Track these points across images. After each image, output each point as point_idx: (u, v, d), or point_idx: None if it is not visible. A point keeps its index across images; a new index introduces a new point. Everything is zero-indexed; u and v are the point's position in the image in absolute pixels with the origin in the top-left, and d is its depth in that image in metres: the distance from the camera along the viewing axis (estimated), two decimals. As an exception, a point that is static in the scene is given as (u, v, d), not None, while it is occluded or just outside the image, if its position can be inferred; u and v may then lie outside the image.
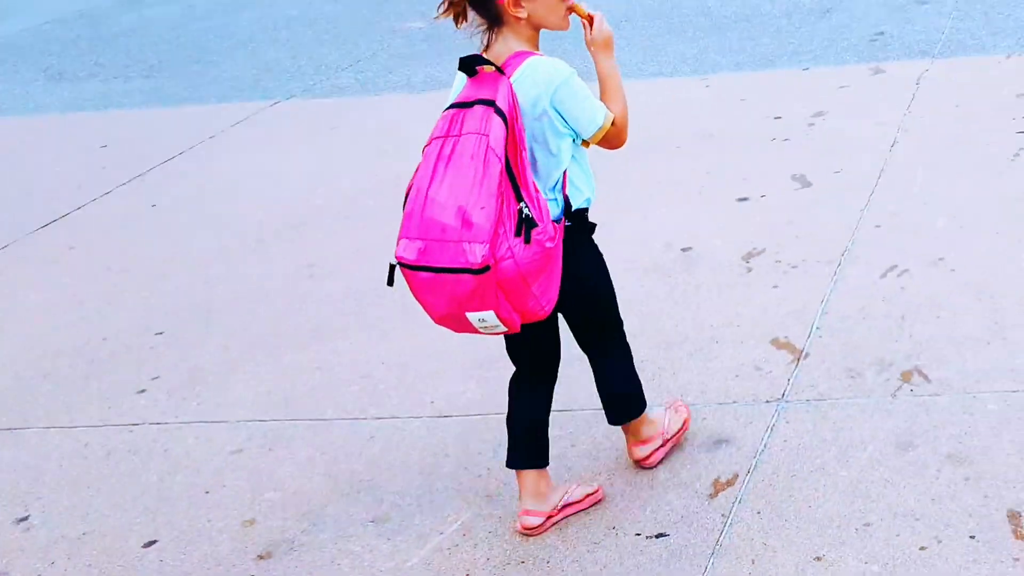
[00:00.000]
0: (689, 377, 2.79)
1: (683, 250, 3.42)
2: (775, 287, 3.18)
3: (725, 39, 5.49)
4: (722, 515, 2.27)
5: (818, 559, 2.10)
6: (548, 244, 1.75)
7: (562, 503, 2.15)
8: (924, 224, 3.38)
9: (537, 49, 1.86)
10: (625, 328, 2.20)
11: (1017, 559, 1.99)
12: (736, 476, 2.39)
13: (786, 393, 2.66)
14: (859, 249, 3.29)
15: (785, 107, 4.57)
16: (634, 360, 2.27)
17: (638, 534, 2.25)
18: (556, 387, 2.16)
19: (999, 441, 2.33)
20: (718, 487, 2.37)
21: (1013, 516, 2.09)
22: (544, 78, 1.81)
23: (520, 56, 1.80)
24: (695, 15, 5.95)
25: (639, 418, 2.20)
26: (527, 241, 1.69)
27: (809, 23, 5.70)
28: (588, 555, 2.16)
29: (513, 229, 1.67)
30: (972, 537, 2.07)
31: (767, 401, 2.65)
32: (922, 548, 2.07)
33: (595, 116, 1.85)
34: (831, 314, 2.97)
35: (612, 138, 1.89)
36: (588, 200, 1.95)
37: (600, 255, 2.05)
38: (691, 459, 2.48)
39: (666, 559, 2.16)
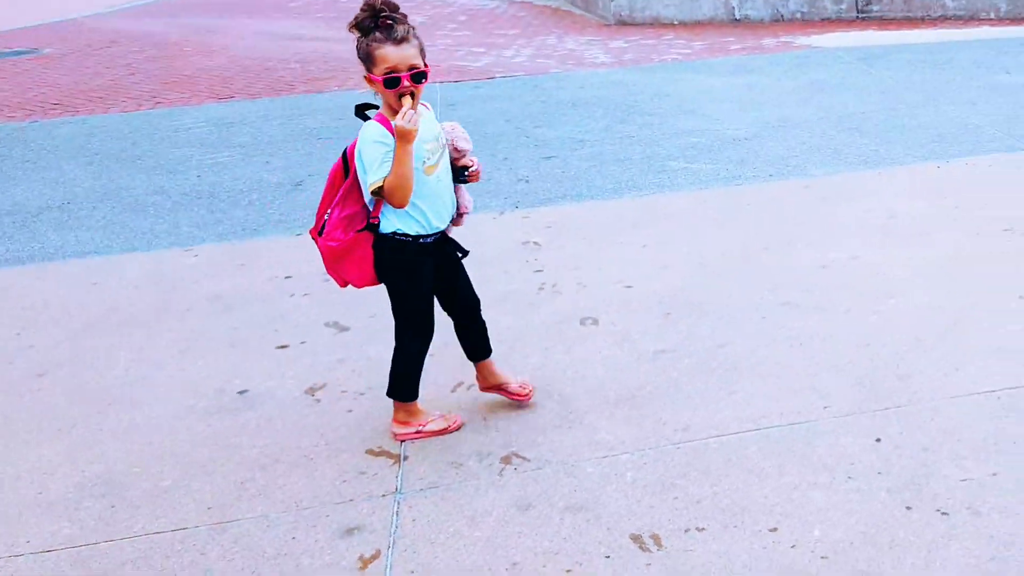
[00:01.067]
0: (296, 489, 4.11)
1: (240, 392, 4.83)
2: (349, 411, 4.71)
3: (196, 214, 7.61)
4: (378, 580, 3.56)
5: (481, 594, 3.52)
6: (331, 243, 3.99)
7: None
8: (477, 349, 5.35)
9: (391, 110, 3.78)
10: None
11: (649, 564, 3.68)
12: (379, 551, 3.70)
13: (399, 487, 4.11)
14: (423, 373, 5.06)
15: (293, 267, 6.44)
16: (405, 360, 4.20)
17: None
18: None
19: (605, 491, 4.10)
20: (365, 561, 3.64)
21: (635, 538, 3.81)
22: (359, 137, 3.83)
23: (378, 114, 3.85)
24: (151, 194, 8.16)
25: (398, 401, 4.30)
26: (320, 235, 4.01)
27: (283, 195, 7.98)
28: None
29: (318, 228, 4.02)
30: (607, 557, 3.73)
31: (383, 495, 4.06)
32: (567, 571, 3.65)
33: (367, 179, 3.79)
34: None
35: (386, 198, 3.85)
36: (414, 229, 4.00)
37: (413, 277, 4.13)
38: (329, 546, 3.70)
39: None
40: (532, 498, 3.93)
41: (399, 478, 4.07)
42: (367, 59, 3.75)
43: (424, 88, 3.81)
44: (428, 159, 3.90)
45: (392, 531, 3.73)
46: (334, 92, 11.85)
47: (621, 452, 4.20)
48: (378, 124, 3.77)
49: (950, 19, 15.15)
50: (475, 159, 4.13)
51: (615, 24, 16.20)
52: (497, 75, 12.58)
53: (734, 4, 15.97)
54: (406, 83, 3.71)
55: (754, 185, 7.73)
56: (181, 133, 10.14)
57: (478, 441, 4.33)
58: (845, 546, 3.56)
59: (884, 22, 15.28)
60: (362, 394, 4.73)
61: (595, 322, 5.42)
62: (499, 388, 4.47)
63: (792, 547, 3.60)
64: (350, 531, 3.74)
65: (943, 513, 3.71)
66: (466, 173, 4.11)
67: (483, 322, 4.42)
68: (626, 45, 14.57)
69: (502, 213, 7.31)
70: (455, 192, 4.13)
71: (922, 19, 15.29)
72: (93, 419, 4.68)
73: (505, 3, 20.01)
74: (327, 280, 5.65)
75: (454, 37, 15.80)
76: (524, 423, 4.46)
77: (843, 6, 15.66)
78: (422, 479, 4.07)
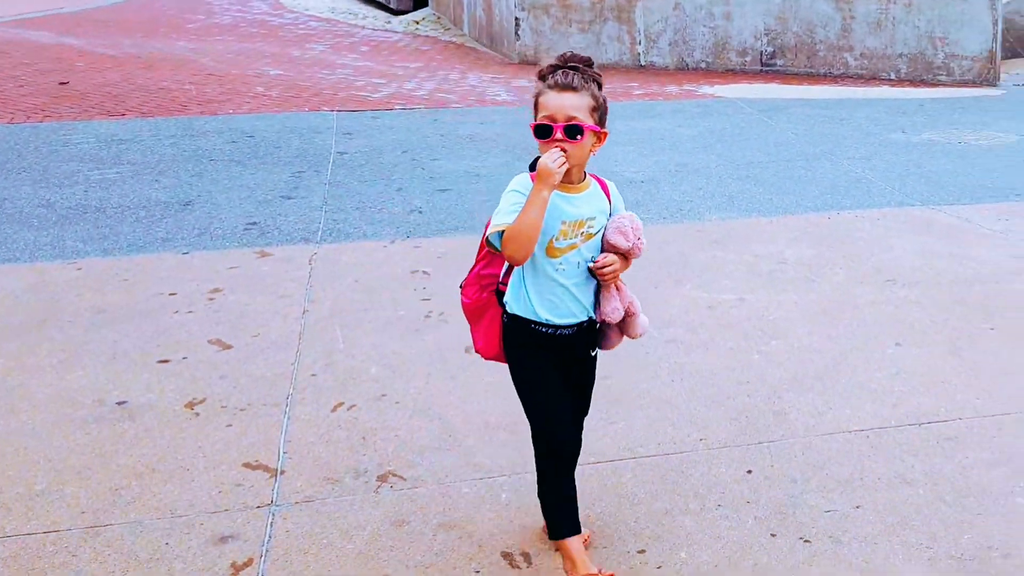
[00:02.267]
0: (171, 498, 4.25)
1: (119, 403, 4.96)
2: (229, 426, 4.87)
3: (81, 228, 7.69)
4: (249, 588, 3.73)
5: (353, 601, 3.71)
6: (464, 299, 3.71)
7: None
8: (359, 370, 5.51)
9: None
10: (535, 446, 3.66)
11: (515, 581, 3.90)
12: (252, 559, 3.86)
13: (275, 500, 4.29)
14: (302, 393, 5.22)
15: (178, 285, 6.57)
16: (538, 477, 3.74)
17: None
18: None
19: (479, 511, 4.31)
20: (237, 568, 3.79)
21: (506, 555, 4.03)
22: None
23: None
24: (35, 207, 8.21)
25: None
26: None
27: (172, 214, 8.09)
28: None
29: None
30: (477, 572, 3.92)
31: (258, 507, 4.23)
32: (439, 582, 3.85)
33: (491, 222, 3.35)
34: (295, 441, 4.76)
35: (503, 250, 3.31)
36: (520, 310, 3.54)
37: (524, 361, 3.60)
38: (201, 553, 3.85)
39: None
40: (407, 515, 4.12)
41: (275, 491, 4.24)
42: (534, 107, 3.39)
43: (589, 150, 3.39)
44: (559, 240, 3.41)
45: (265, 541, 3.89)
46: (229, 115, 11.98)
47: (498, 475, 4.41)
48: (526, 176, 3.38)
49: (851, 77, 15.82)
50: (614, 261, 3.48)
51: (519, 63, 16.59)
52: (396, 106, 12.82)
53: (640, 50, 16.48)
54: (558, 135, 3.29)
55: (649, 226, 7.98)
56: (70, 147, 10.20)
57: (356, 459, 4.52)
58: (709, 568, 3.81)
59: (787, 76, 15.90)
60: (242, 410, 4.89)
61: (480, 351, 5.62)
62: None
63: (658, 568, 3.84)
64: (224, 539, 3.89)
65: (806, 540, 3.98)
66: (589, 263, 3.49)
67: (571, 471, 3.77)
68: (529, 84, 14.90)
69: (393, 242, 7.52)
70: (604, 298, 3.56)
71: (824, 75, 15.94)
72: (-37, 425, 4.77)
73: (410, 36, 20.32)
74: (211, 298, 5.83)
75: (355, 67, 16.03)
76: (403, 444, 4.65)
77: (747, 58, 16.25)
78: (298, 493, 4.23)
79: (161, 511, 4.08)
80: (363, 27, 21.39)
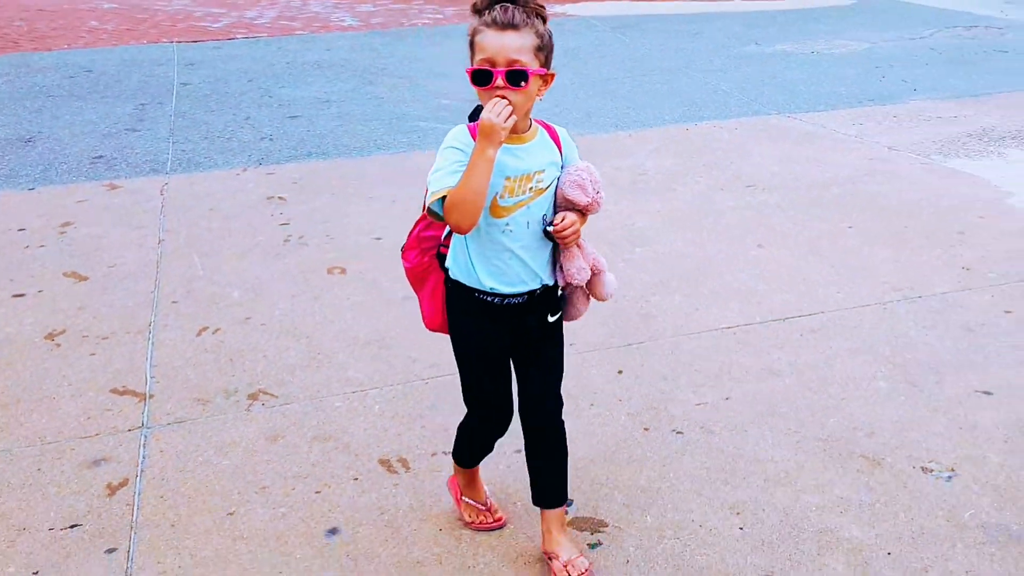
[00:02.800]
0: (39, 426, 4.29)
1: (-24, 336, 4.93)
2: (92, 355, 4.89)
3: None
4: (127, 504, 3.78)
5: (231, 514, 3.80)
6: (405, 264, 3.32)
7: None
8: (221, 295, 5.56)
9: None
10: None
11: (396, 484, 4.03)
12: (127, 479, 3.94)
13: (145, 423, 4.35)
14: (165, 319, 5.26)
15: (26, 221, 6.49)
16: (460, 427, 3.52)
17: (51, 528, 3.64)
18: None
19: (353, 423, 4.43)
20: (113, 488, 3.87)
21: (383, 462, 4.14)
22: None
23: None
24: None
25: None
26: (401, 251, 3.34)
27: (13, 151, 7.96)
28: (12, 555, 3.44)
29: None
30: (356, 479, 4.06)
31: (129, 430, 4.28)
32: (317, 492, 3.96)
33: (429, 188, 2.91)
34: (161, 366, 4.81)
35: (446, 217, 2.89)
36: (462, 277, 3.14)
37: (465, 331, 3.22)
38: (75, 476, 3.90)
39: (88, 540, 3.60)
40: (280, 430, 4.23)
41: (145, 414, 4.30)
42: (470, 46, 2.95)
43: (532, 97, 2.94)
44: (504, 198, 3.01)
45: (140, 461, 3.97)
46: (64, 50, 11.77)
47: (370, 388, 4.54)
48: (464, 128, 2.98)
49: (704, -8, 16.14)
50: (574, 220, 3.07)
51: (365, -12, 16.49)
52: (238, 36, 12.71)
53: (489, -30, 16.49)
54: (499, 82, 2.86)
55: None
56: None
57: (224, 380, 4.60)
58: (586, 463, 4.00)
59: (639, -7, 16.12)
60: (104, 338, 4.92)
61: (343, 271, 5.75)
62: (547, 555, 3.46)
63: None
64: (96, 462, 3.96)
65: (678, 432, 4.21)
66: (548, 227, 3.08)
67: (560, 442, 3.41)
68: (375, 9, 14.92)
69: (245, 170, 7.55)
70: (566, 258, 3.16)
71: (676, -9, 16.22)
72: None
73: (248, -36, 20.00)
74: (63, 232, 5.81)
75: (192, -3, 15.78)
76: (271, 363, 4.75)
77: (599, -24, 16.42)
78: (169, 415, 4.31)
79: (30, 439, 4.12)
80: (198, -44, 20.96)
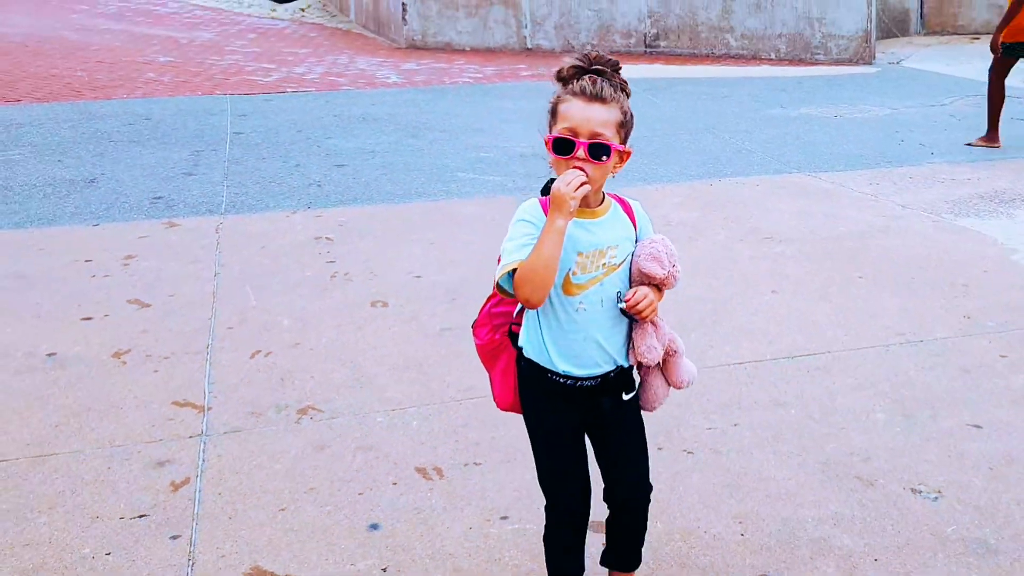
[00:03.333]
0: (108, 432, 4.68)
1: (49, 355, 5.35)
2: (155, 371, 5.30)
3: None
4: (188, 499, 4.17)
5: (282, 510, 4.18)
6: (476, 341, 3.18)
7: None
8: (272, 324, 5.96)
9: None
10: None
11: (432, 488, 4.34)
12: (189, 478, 4.32)
13: (205, 431, 4.75)
14: (221, 343, 5.67)
15: (92, 253, 6.95)
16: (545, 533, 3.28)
17: (121, 517, 4.03)
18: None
19: (393, 436, 4.80)
20: (176, 486, 4.25)
21: (420, 470, 4.51)
22: None
23: None
24: None
25: None
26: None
27: (77, 191, 8.43)
28: (87, 538, 3.85)
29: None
30: (395, 483, 4.42)
31: (190, 436, 4.68)
32: (360, 494, 4.33)
33: (502, 262, 2.81)
34: (218, 383, 5.21)
35: (516, 292, 2.80)
36: (535, 356, 3.00)
37: (540, 413, 3.08)
38: (142, 475, 4.30)
39: (155, 528, 3.99)
40: (327, 441, 4.60)
41: (204, 424, 4.70)
42: (551, 114, 2.90)
43: (607, 172, 2.89)
44: (576, 275, 2.92)
45: (200, 464, 4.35)
46: (123, 99, 12.31)
47: (408, 406, 4.91)
48: (536, 202, 2.91)
49: (733, 57, 16.59)
50: (647, 294, 2.96)
51: (407, 48, 17.05)
52: (288, 90, 13.22)
53: (526, 33, 17.06)
54: (580, 153, 2.81)
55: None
56: (-35, 131, 10.45)
57: (276, 396, 4.99)
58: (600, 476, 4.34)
59: (670, 57, 16.60)
60: (166, 358, 5.33)
61: (385, 305, 6.14)
62: None
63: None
64: (161, 464, 4.35)
65: (689, 452, 4.55)
66: (621, 304, 2.96)
67: (640, 520, 3.31)
68: (418, 68, 15.43)
69: (294, 212, 7.97)
70: (638, 334, 3.03)
71: (707, 56, 16.68)
72: None
73: (295, 23, 20.64)
74: (126, 264, 6.24)
75: (244, 53, 16.36)
76: (318, 383, 5.13)
77: (632, 40, 16.94)
78: (226, 424, 4.70)
79: (100, 443, 4.51)
80: (248, 15, 21.66)
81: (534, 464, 3.21)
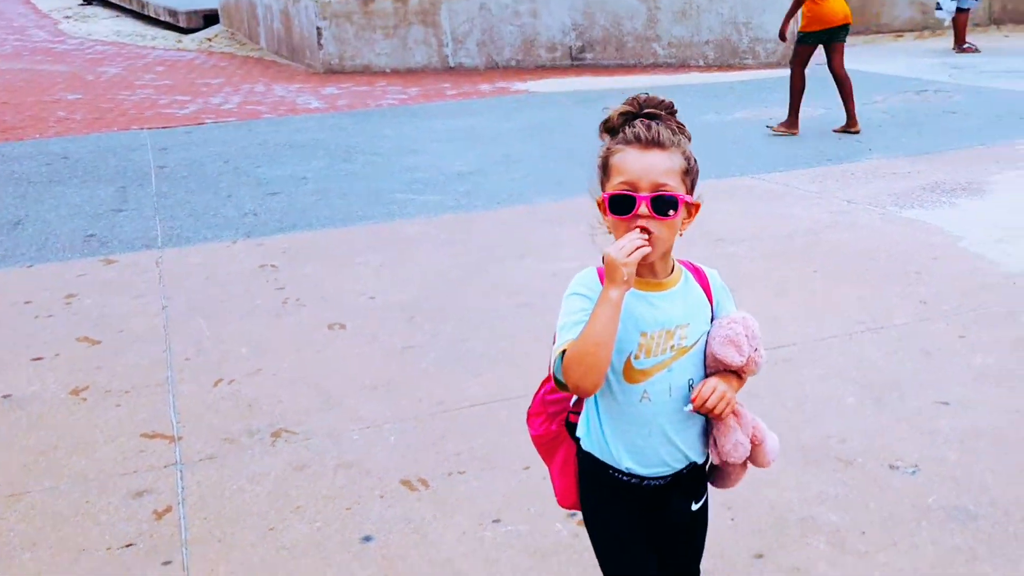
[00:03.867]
0: (80, 467, 4.81)
1: (4, 397, 5.45)
2: (118, 406, 5.42)
3: None
4: (174, 526, 4.31)
5: (271, 529, 4.35)
6: (531, 432, 2.87)
7: None
8: (230, 352, 6.09)
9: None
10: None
11: (419, 499, 4.55)
12: (171, 506, 4.47)
13: (179, 460, 4.89)
14: (181, 375, 5.79)
15: (31, 294, 7.03)
16: None
17: (108, 548, 4.18)
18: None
19: (372, 452, 4.96)
20: (159, 514, 4.39)
21: (405, 482, 4.67)
22: None
23: None
24: None
25: None
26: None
27: (5, 233, 8.48)
28: (76, 571, 3.98)
29: None
30: (381, 497, 4.58)
31: (165, 466, 4.81)
32: (348, 508, 4.50)
33: (557, 343, 2.49)
34: (185, 413, 5.32)
35: (564, 376, 2.45)
36: (595, 450, 2.68)
37: (601, 514, 2.74)
38: (122, 506, 4.44)
39: (144, 556, 4.14)
40: (305, 461, 4.78)
41: (177, 453, 4.85)
42: (603, 168, 2.60)
43: (676, 230, 2.58)
44: (639, 359, 2.57)
45: (180, 491, 4.51)
46: (36, 139, 12.39)
47: (383, 423, 5.10)
48: (593, 271, 2.58)
49: (661, 66, 16.99)
50: (715, 388, 2.56)
51: (324, 72, 17.23)
52: (207, 121, 13.35)
53: (448, 52, 17.33)
54: (642, 208, 2.48)
55: (482, 212, 8.87)
56: None
57: (246, 422, 5.15)
58: (587, 476, 4.57)
59: (598, 69, 16.95)
60: (127, 392, 5.47)
61: (343, 327, 6.33)
62: None
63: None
64: (140, 494, 4.50)
65: (668, 448, 4.79)
66: (687, 405, 2.58)
67: None
68: (339, 92, 15.62)
69: (235, 242, 8.13)
70: (720, 432, 2.67)
71: (634, 66, 17.06)
72: None
73: (203, 54, 20.74)
74: (68, 303, 6.37)
75: (155, 86, 16.44)
76: (287, 407, 5.30)
77: (557, 54, 17.28)
78: (200, 452, 4.86)
79: (73, 478, 4.64)
80: (154, 47, 21.71)
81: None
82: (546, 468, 2.97)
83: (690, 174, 2.56)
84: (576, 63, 17.14)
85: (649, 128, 2.51)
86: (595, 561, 3.60)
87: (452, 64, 17.22)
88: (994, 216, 8.02)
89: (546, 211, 8.70)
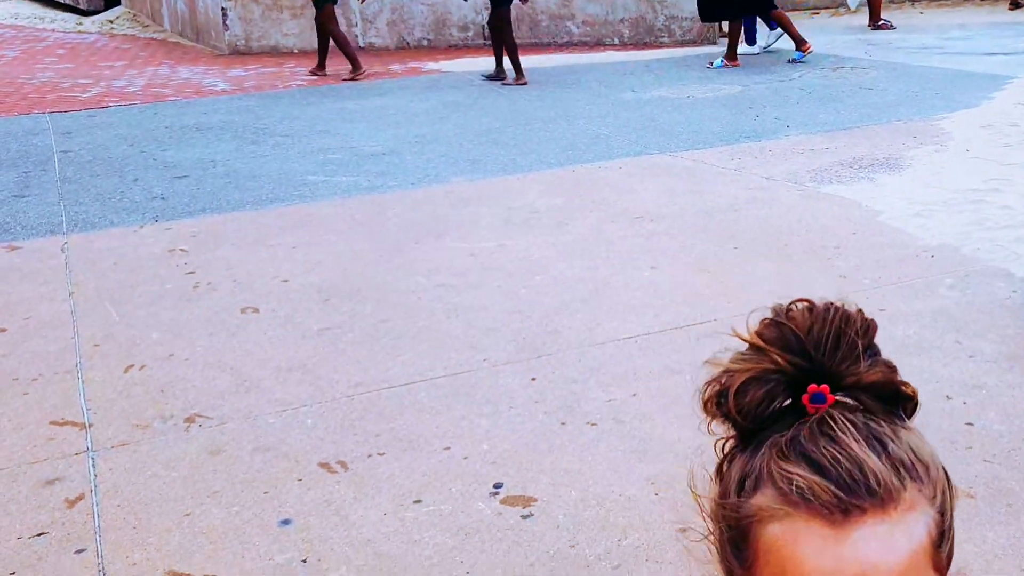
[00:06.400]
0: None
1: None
2: (25, 394, 5.24)
3: None
4: (87, 514, 4.27)
5: (188, 515, 4.31)
6: None
7: None
8: (141, 338, 6.00)
9: None
10: None
11: (339, 481, 4.55)
12: (83, 494, 4.42)
13: (90, 447, 4.84)
14: (90, 361, 5.68)
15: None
16: None
17: (19, 537, 4.11)
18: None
19: (289, 435, 4.95)
20: (71, 502, 4.34)
21: (323, 464, 4.68)
22: None
23: None
24: None
25: None
26: None
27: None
28: None
29: None
30: (300, 480, 4.59)
31: (76, 454, 4.76)
32: (266, 492, 4.49)
33: None
34: (95, 399, 5.14)
35: None
36: None
37: None
38: (32, 494, 4.38)
39: (57, 544, 4.09)
40: (221, 445, 4.74)
41: (88, 440, 4.79)
42: (732, 545, 1.29)
43: None
44: None
45: (92, 479, 4.45)
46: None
47: (300, 406, 5.08)
48: None
49: (576, 45, 17.04)
50: None
51: (230, 54, 17.07)
52: (111, 104, 13.18)
53: (357, 32, 17.24)
54: None
55: (397, 193, 8.85)
56: None
57: (158, 408, 5.10)
58: (511, 454, 4.59)
59: (512, 48, 16.94)
60: (34, 380, 5.38)
61: (256, 311, 6.28)
62: None
63: (465, 458, 4.60)
64: (50, 482, 4.43)
65: (592, 424, 4.82)
66: None
67: None
68: (246, 73, 15.49)
69: (142, 227, 8.04)
70: None
71: (548, 45, 17.10)
72: None
73: (106, 36, 20.45)
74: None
75: (56, 70, 16.20)
76: (200, 391, 5.26)
77: (470, 33, 17.27)
78: (111, 439, 4.80)
79: (-28, 466, 4.55)
80: (53, 30, 21.39)
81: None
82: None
83: (944, 539, 1.25)
84: (488, 42, 17.12)
85: (838, 462, 1.18)
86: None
87: (362, 44, 17.15)
88: (912, 191, 8.15)
89: (463, 191, 8.70)
